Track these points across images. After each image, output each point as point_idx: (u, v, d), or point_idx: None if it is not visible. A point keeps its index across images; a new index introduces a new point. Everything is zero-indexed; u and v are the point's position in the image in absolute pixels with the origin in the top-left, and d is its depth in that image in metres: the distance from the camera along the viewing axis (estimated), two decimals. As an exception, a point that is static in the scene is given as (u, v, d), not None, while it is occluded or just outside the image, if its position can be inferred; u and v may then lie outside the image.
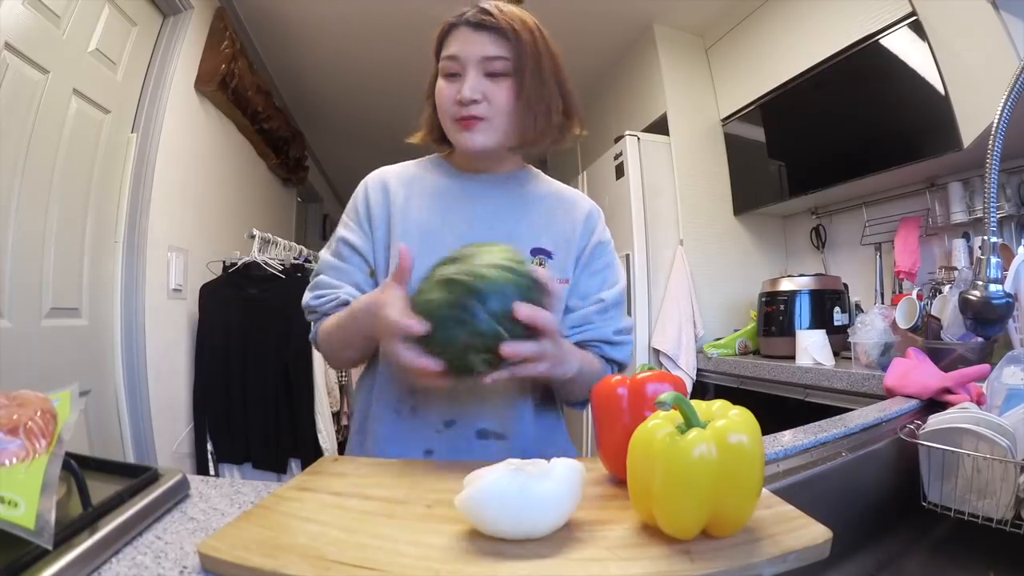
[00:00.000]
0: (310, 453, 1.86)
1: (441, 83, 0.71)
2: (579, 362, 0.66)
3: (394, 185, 0.77)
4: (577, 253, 0.77)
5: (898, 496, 0.74)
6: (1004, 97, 0.72)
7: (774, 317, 1.86)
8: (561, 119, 0.75)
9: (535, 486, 0.37)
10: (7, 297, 1.22)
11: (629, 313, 2.15)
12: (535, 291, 0.55)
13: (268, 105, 2.52)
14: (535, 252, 0.74)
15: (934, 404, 0.93)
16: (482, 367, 0.54)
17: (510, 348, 0.53)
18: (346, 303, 0.71)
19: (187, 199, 1.93)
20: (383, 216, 0.75)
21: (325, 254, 0.78)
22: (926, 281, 1.67)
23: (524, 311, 0.52)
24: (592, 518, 0.41)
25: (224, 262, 1.96)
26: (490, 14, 0.69)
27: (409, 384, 0.70)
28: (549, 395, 0.77)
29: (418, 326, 0.53)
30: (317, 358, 1.93)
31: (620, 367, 0.78)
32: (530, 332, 0.54)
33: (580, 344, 0.74)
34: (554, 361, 0.59)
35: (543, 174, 0.85)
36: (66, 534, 0.36)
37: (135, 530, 0.41)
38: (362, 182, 0.80)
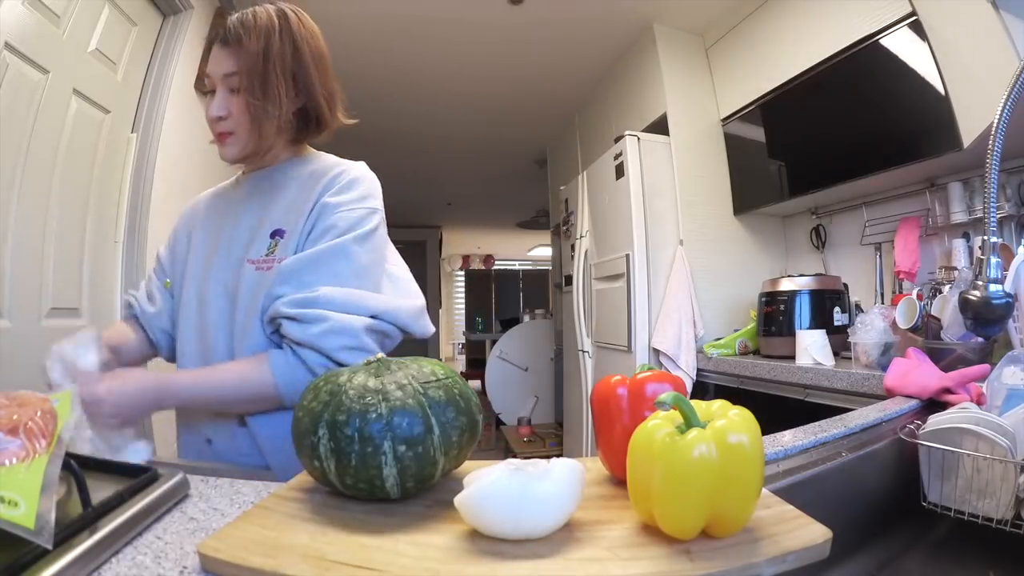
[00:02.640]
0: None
1: (207, 101, 0.75)
2: (155, 396, 0.65)
3: (201, 203, 0.89)
4: (304, 222, 0.72)
5: (898, 496, 0.74)
6: (1004, 97, 0.72)
7: (774, 317, 1.86)
8: (300, 119, 0.77)
9: (535, 486, 0.37)
10: (7, 297, 1.22)
11: (629, 313, 2.15)
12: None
13: (268, 105, 2.52)
14: (273, 235, 0.73)
15: (934, 404, 0.93)
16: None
17: None
18: (129, 306, 0.88)
19: (187, 199, 1.91)
20: (184, 234, 0.86)
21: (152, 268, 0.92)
22: (926, 281, 1.67)
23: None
24: (592, 518, 0.41)
25: (224, 262, 1.96)
26: (228, 28, 0.71)
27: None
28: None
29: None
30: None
31: (314, 353, 0.65)
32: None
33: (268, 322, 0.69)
34: (116, 415, 0.62)
35: (319, 156, 0.83)
36: (66, 534, 0.36)
37: (135, 530, 0.41)
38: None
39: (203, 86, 1.95)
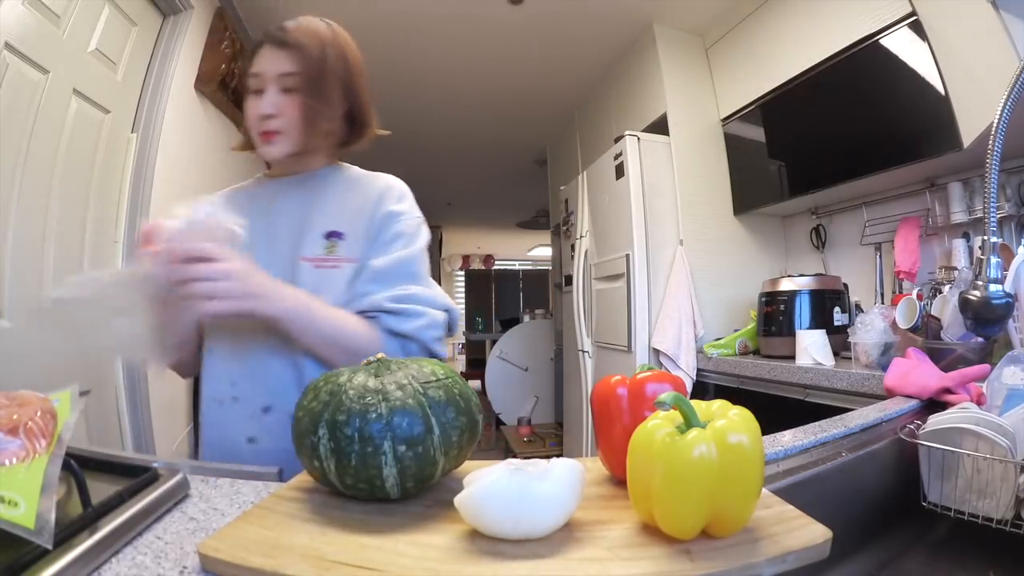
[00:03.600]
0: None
1: (249, 100, 0.77)
2: (295, 305, 0.67)
3: (225, 201, 0.84)
4: (367, 227, 0.78)
5: (898, 496, 0.74)
6: (1004, 97, 0.72)
7: (774, 317, 1.86)
8: (347, 124, 0.82)
9: (535, 486, 0.37)
10: (7, 297, 1.22)
11: (629, 313, 2.15)
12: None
13: (268, 105, 2.52)
14: (329, 236, 0.77)
15: (934, 404, 0.93)
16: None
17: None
18: None
19: (187, 199, 1.92)
20: None
21: None
22: (926, 281, 1.67)
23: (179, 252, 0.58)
24: (592, 518, 0.41)
25: (224, 262, 1.96)
26: (286, 31, 0.75)
27: (231, 375, 0.75)
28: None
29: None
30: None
31: (416, 343, 0.75)
32: None
33: (367, 308, 0.74)
34: (226, 291, 0.60)
35: (353, 167, 0.89)
36: (66, 534, 0.36)
37: (135, 530, 0.41)
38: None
39: (204, 86, 1.95)
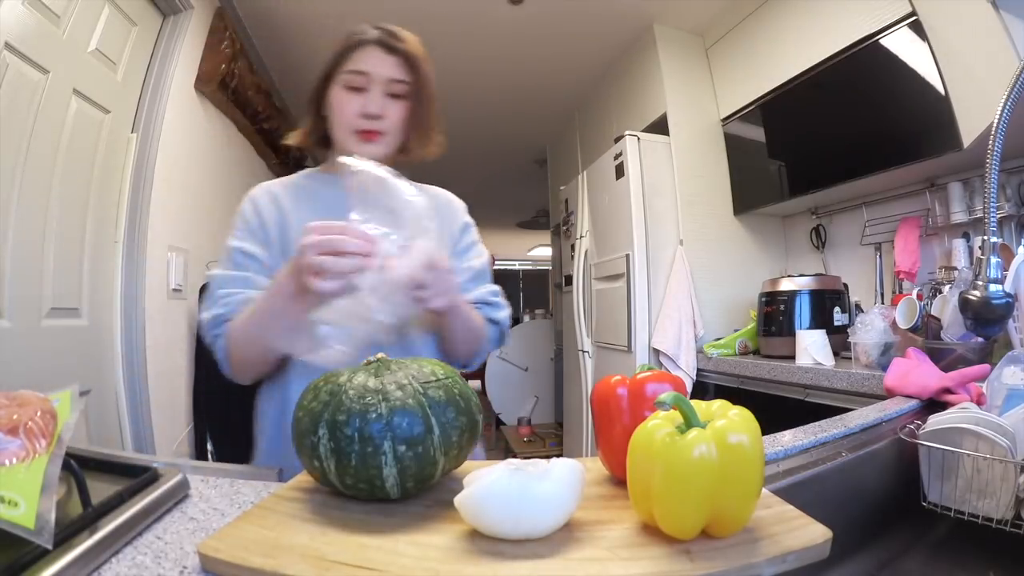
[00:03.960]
0: (310, 453, 1.86)
1: (343, 94, 0.78)
2: (460, 298, 0.73)
3: (281, 194, 0.82)
4: (448, 233, 0.87)
5: (898, 496, 0.74)
6: (1004, 97, 0.72)
7: (774, 317, 1.86)
8: (425, 139, 0.87)
9: (535, 486, 0.37)
10: (7, 297, 1.22)
11: (629, 313, 2.16)
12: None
13: (268, 105, 2.52)
14: None
15: (934, 404, 0.93)
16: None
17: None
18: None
19: (187, 199, 1.93)
20: (276, 223, 0.79)
21: (216, 271, 0.78)
22: (926, 281, 1.67)
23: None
24: (592, 518, 0.41)
25: (224, 262, 1.96)
26: (400, 40, 0.78)
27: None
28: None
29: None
30: (317, 358, 1.93)
31: (500, 331, 0.87)
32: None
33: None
34: (443, 288, 0.65)
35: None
36: (66, 534, 0.36)
37: (135, 530, 0.41)
38: (247, 196, 0.83)
39: (204, 86, 1.95)
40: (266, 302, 0.67)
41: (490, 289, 0.87)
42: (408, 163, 0.89)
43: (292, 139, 0.87)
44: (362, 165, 0.61)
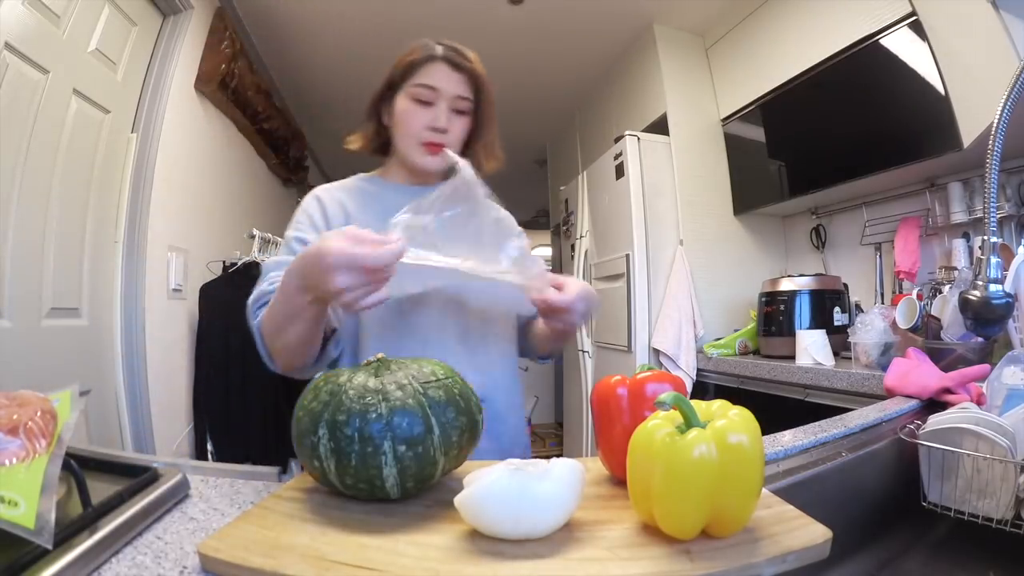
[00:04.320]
0: (310, 453, 1.86)
1: (410, 105, 0.81)
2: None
3: (346, 196, 0.84)
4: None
5: (898, 496, 0.74)
6: (1004, 97, 0.72)
7: (774, 317, 1.86)
8: (487, 153, 0.89)
9: (535, 486, 0.37)
10: (7, 297, 1.22)
11: (629, 313, 2.16)
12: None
13: (268, 105, 2.52)
14: None
15: (934, 404, 0.93)
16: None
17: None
18: None
19: (187, 199, 1.93)
20: (341, 220, 0.81)
21: (273, 259, 0.78)
22: (926, 281, 1.67)
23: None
24: (592, 518, 0.41)
25: (224, 262, 1.96)
26: (466, 58, 0.82)
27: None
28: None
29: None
30: (317, 358, 1.93)
31: None
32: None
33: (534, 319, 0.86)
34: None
35: None
36: (66, 534, 0.36)
37: (135, 530, 0.41)
38: (311, 194, 0.85)
39: (204, 86, 1.95)
40: (289, 283, 0.62)
41: None
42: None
43: (352, 144, 0.90)
44: (464, 163, 0.65)
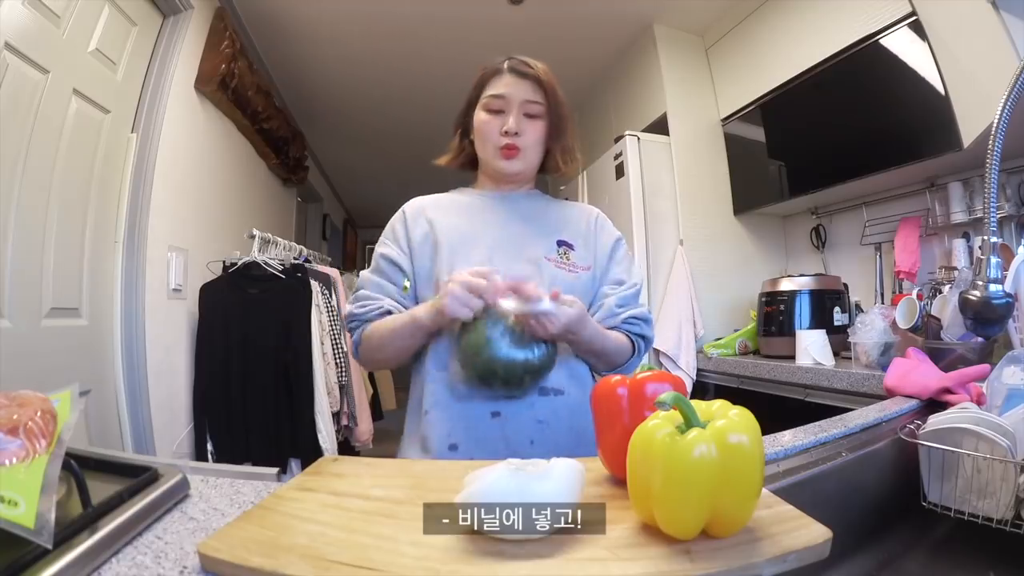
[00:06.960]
0: (310, 453, 1.86)
1: (485, 116, 0.87)
2: (592, 328, 0.79)
3: (430, 207, 0.91)
4: (595, 247, 0.92)
5: (898, 496, 0.74)
6: (1004, 97, 0.72)
7: (774, 317, 1.86)
8: (566, 157, 0.94)
9: (535, 486, 0.37)
10: (7, 297, 1.22)
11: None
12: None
13: (268, 105, 2.52)
14: (560, 244, 0.89)
15: (934, 404, 0.93)
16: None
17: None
18: (388, 312, 0.83)
19: (187, 199, 1.92)
20: (425, 232, 0.88)
21: (365, 272, 0.90)
22: (926, 281, 1.67)
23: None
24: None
25: (224, 262, 1.96)
26: (531, 67, 0.87)
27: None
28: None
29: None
30: (317, 358, 1.93)
31: (646, 344, 0.91)
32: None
33: (620, 322, 0.87)
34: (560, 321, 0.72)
35: (545, 194, 1.01)
36: (66, 534, 0.36)
37: (135, 530, 0.41)
38: (401, 209, 0.93)
39: (203, 86, 1.95)
40: (405, 319, 0.79)
41: (645, 311, 0.91)
42: (563, 180, 0.94)
43: (441, 160, 0.98)
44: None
